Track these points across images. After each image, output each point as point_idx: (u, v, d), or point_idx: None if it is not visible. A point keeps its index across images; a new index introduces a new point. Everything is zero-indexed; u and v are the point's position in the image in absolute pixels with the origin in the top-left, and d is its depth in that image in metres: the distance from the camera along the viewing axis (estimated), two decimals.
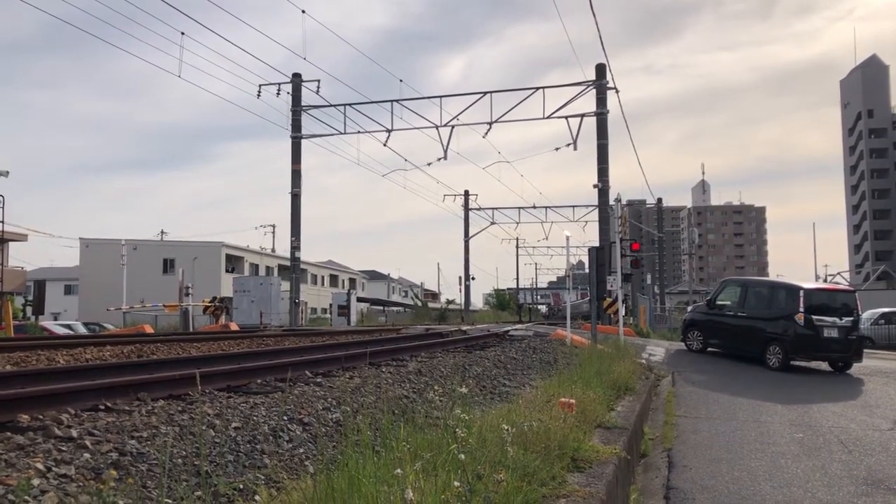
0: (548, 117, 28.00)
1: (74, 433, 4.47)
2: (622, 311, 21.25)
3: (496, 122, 28.32)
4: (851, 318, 15.46)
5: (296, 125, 30.30)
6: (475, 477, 3.40)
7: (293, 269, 30.70)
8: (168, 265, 54.89)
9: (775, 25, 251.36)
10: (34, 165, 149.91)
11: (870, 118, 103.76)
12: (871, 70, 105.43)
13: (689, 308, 24.62)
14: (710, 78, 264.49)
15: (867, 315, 27.72)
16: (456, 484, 3.22)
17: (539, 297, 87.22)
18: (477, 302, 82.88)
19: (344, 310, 36.89)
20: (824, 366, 16.03)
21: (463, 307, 52.95)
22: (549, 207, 49.19)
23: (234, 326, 27.01)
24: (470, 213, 52.52)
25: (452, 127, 28.84)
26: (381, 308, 63.86)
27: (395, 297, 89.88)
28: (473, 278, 55.41)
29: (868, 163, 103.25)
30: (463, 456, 3.43)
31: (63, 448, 4.14)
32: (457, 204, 52.58)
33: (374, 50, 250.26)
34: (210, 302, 32.71)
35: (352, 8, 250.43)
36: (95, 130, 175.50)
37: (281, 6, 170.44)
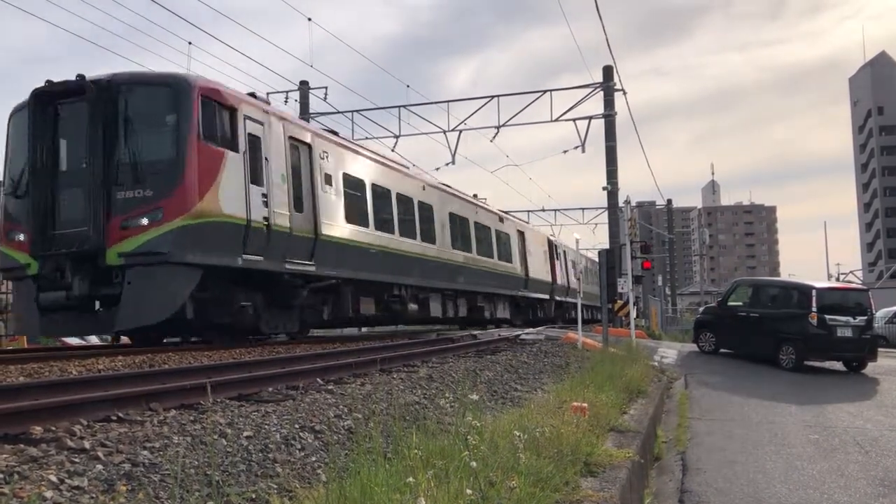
0: (555, 120, 27.96)
1: (87, 444, 4.47)
2: (633, 314, 21.15)
3: (504, 125, 28.34)
4: (865, 317, 15.33)
5: None
6: (487, 484, 3.38)
7: None
8: None
9: (784, 25, 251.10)
10: None
11: (880, 115, 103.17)
12: (880, 67, 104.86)
13: (701, 309, 24.52)
14: (719, 79, 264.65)
15: (881, 314, 27.41)
16: (468, 491, 3.21)
17: None
18: None
19: None
20: (838, 366, 15.90)
21: None
22: (559, 210, 49.15)
23: None
24: None
25: (460, 131, 28.91)
26: None
27: None
28: None
29: (879, 160, 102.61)
30: (475, 463, 3.41)
31: (76, 459, 4.15)
32: None
33: (384, 57, 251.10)
34: None
35: (364, 15, 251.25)
36: None
37: (289, 15, 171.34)
